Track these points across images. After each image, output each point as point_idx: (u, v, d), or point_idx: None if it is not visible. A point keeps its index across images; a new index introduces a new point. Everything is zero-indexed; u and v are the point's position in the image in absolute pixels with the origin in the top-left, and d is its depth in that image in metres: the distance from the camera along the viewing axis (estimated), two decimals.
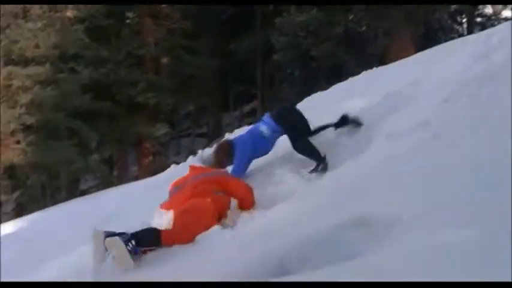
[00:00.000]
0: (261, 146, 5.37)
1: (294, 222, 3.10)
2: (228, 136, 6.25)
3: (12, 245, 5.05)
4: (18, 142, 16.75)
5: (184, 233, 4.12)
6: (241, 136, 5.59)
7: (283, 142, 5.33)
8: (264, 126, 5.38)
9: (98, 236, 3.90)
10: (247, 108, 24.33)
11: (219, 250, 3.53)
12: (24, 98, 16.40)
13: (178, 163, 8.52)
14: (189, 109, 23.37)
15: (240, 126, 10.47)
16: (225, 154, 5.34)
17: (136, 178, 17.43)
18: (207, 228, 4.11)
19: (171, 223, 4.30)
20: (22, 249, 4.93)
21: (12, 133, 16.76)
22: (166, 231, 4.18)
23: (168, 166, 8.89)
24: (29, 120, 16.36)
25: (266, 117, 5.48)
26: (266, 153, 5.47)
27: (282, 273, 2.56)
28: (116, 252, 3.78)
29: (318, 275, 2.22)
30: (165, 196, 5.29)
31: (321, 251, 2.50)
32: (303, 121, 5.39)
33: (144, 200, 6.09)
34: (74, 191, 19.88)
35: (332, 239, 2.53)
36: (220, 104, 24.27)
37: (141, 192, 7.84)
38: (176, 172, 7.55)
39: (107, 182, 18.95)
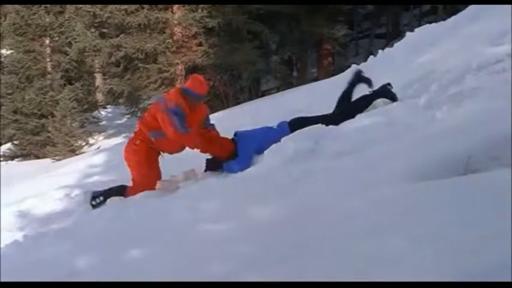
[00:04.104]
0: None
1: (481, 121, 2.99)
2: None
3: None
4: (200, 44, 17.57)
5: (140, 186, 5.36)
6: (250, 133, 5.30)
7: None
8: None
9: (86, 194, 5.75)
10: (426, 6, 22.79)
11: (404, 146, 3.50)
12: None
13: (357, 64, 8.44)
14: (368, 9, 22.51)
15: (419, 25, 9.87)
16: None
17: (316, 79, 17.62)
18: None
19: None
20: None
21: (194, 35, 17.64)
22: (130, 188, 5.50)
23: (347, 67, 8.88)
24: (211, 23, 16.96)
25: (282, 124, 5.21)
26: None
27: (467, 171, 2.50)
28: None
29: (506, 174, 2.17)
30: None
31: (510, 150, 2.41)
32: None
33: (326, 98, 6.21)
34: (255, 92, 20.72)
35: None
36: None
37: (322, 91, 7.99)
38: None
39: (287, 83, 19.44)
